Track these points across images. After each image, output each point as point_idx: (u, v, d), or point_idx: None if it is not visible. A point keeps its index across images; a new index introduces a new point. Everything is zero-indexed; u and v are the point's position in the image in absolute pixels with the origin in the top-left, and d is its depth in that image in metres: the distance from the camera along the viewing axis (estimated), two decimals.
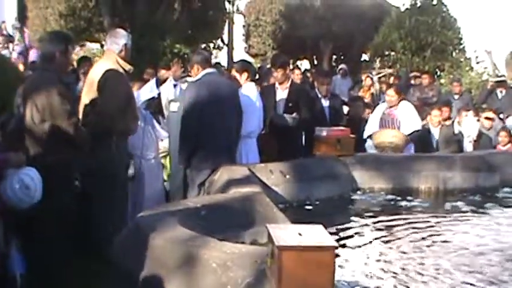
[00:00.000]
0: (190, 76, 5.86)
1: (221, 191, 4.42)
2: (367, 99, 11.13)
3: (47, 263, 4.45)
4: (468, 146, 8.28)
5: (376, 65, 14.25)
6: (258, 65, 18.03)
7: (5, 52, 15.56)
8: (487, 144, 8.15)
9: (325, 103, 7.46)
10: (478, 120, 8.65)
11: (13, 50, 16.87)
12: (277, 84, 6.99)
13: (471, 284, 3.33)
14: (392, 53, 16.78)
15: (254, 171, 4.94)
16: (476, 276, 3.45)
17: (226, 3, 18.07)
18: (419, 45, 16.42)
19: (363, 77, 13.09)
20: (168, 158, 6.71)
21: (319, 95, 7.50)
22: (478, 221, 4.81)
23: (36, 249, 4.43)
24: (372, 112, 8.18)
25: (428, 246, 4.03)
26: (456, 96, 11.35)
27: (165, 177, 6.70)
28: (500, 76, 13.27)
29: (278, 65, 6.93)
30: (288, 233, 2.55)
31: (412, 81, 12.99)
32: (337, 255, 3.35)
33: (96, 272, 4.22)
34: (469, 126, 8.44)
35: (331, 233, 2.65)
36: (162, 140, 6.59)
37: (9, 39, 18.08)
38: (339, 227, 4.41)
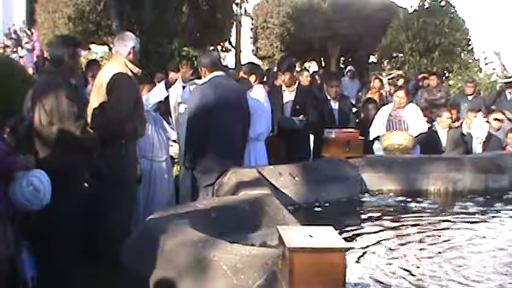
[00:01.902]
0: (199, 78, 5.87)
1: (231, 193, 4.43)
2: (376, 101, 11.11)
3: (56, 266, 4.47)
4: (477, 148, 8.24)
5: (386, 67, 14.22)
6: (266, 67, 18.02)
7: (14, 56, 15.64)
8: (496, 146, 8.11)
9: (335, 105, 7.44)
10: (488, 121, 8.61)
11: (21, 55, 16.95)
12: (284, 87, 6.98)
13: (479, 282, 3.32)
14: (400, 55, 16.75)
15: (263, 174, 4.94)
16: (485, 279, 3.44)
17: (234, 6, 18.07)
18: (427, 46, 16.37)
19: (372, 79, 13.05)
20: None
21: (328, 97, 7.48)
22: (487, 222, 4.79)
23: (46, 252, 4.45)
24: None
25: (437, 247, 4.02)
26: (470, 98, 11.29)
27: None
28: (509, 77, 13.20)
29: (284, 69, 6.91)
30: (298, 235, 2.55)
31: (420, 83, 12.95)
32: (349, 256, 3.34)
33: (106, 275, 4.24)
34: (478, 127, 8.40)
35: (340, 235, 2.65)
36: (171, 145, 6.59)
37: (18, 43, 18.19)
38: (349, 228, 4.40)
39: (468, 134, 8.51)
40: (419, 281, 3.37)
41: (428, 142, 7.62)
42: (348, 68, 15.81)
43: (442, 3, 17.15)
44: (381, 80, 12.59)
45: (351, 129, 6.49)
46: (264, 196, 4.16)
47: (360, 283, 3.28)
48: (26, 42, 17.29)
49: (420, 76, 13.35)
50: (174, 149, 6.65)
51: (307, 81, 10.09)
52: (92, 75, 8.03)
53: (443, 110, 8.47)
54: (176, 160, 6.76)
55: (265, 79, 10.45)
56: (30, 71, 11.93)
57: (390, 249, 3.99)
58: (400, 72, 14.91)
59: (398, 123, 7.45)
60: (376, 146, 7.45)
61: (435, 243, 4.11)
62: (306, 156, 6.70)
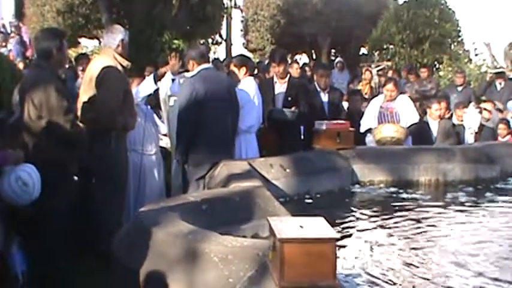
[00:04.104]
0: (188, 71, 5.85)
1: (222, 185, 4.43)
2: (367, 93, 11.12)
3: (47, 261, 4.45)
4: (470, 138, 8.27)
5: (375, 58, 14.22)
6: (257, 60, 18.00)
7: (3, 50, 15.51)
8: (489, 136, 8.14)
9: (324, 97, 7.44)
10: (480, 112, 8.62)
11: (10, 49, 16.77)
12: (275, 79, 6.98)
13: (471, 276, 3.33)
14: (391, 46, 16.76)
15: (254, 166, 4.94)
16: (478, 268, 3.45)
17: None
18: (418, 38, 16.39)
19: (363, 71, 13.05)
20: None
21: (318, 89, 7.48)
22: (478, 212, 4.81)
23: (36, 247, 4.43)
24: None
25: (428, 237, 4.03)
26: (460, 88, 11.34)
27: None
28: (499, 68, 13.25)
29: (279, 60, 6.91)
30: (289, 226, 2.54)
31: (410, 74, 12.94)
32: (340, 247, 3.35)
33: (97, 268, 4.23)
34: (470, 118, 8.43)
35: (331, 226, 2.64)
36: (161, 138, 6.57)
37: (7, 37, 18.02)
38: (340, 219, 4.41)
39: (460, 125, 8.53)
40: (410, 272, 3.38)
41: (419, 133, 7.64)
42: (337, 59, 15.80)
43: None
44: (371, 72, 12.60)
45: (341, 121, 6.48)
46: (255, 188, 4.16)
47: (351, 273, 3.28)
48: (12, 37, 17.14)
49: (405, 74, 13.27)
50: (163, 143, 6.62)
51: (297, 73, 10.09)
52: (82, 69, 8.00)
53: (432, 102, 8.49)
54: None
55: (256, 72, 10.42)
56: (21, 65, 11.82)
57: (381, 239, 4.00)
58: (389, 63, 14.92)
59: (389, 115, 7.45)
60: (369, 139, 7.46)
61: (426, 234, 4.12)
62: (297, 148, 6.70)
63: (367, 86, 11.79)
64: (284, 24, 22.93)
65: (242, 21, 25.18)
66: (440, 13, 16.80)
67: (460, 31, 17.48)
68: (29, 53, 15.75)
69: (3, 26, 19.31)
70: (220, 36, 20.32)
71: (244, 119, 5.95)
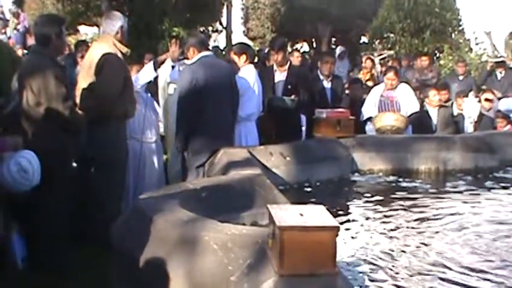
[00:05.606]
0: (187, 58, 5.83)
1: (221, 173, 4.41)
2: (368, 80, 11.11)
3: (46, 246, 4.45)
4: (469, 127, 8.25)
5: (377, 47, 14.18)
6: (257, 48, 17.94)
7: (2, 37, 15.47)
8: (488, 126, 8.12)
9: (327, 84, 7.42)
10: (479, 101, 8.61)
11: (9, 35, 16.74)
12: (275, 67, 6.96)
13: (473, 269, 3.33)
14: (392, 35, 16.72)
15: (254, 154, 4.92)
16: (476, 257, 3.46)
17: None
18: (418, 26, 16.36)
19: (364, 59, 13.01)
20: None
21: (321, 77, 7.45)
22: (478, 201, 4.80)
23: (36, 233, 4.43)
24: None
25: (428, 225, 4.03)
26: (461, 77, 11.33)
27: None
28: (500, 57, 13.22)
29: (278, 48, 6.90)
30: (289, 214, 2.53)
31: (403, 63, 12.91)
32: (340, 234, 3.33)
33: (97, 255, 4.23)
34: (469, 107, 8.41)
35: (331, 214, 2.63)
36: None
37: (6, 24, 17.96)
38: (339, 208, 4.41)
39: (459, 114, 8.51)
40: (410, 259, 3.38)
41: (419, 122, 7.64)
42: (339, 48, 15.76)
43: None
44: (372, 60, 12.57)
45: (342, 109, 6.47)
46: (254, 176, 4.14)
47: (351, 262, 3.28)
48: (17, 23, 17.16)
49: (406, 63, 13.21)
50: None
51: (297, 61, 10.07)
52: (81, 56, 7.96)
53: (429, 89, 8.50)
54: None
55: (256, 60, 10.38)
56: (20, 52, 11.79)
57: (380, 228, 3.99)
58: (392, 52, 14.89)
59: (390, 104, 7.46)
60: (369, 127, 7.45)
61: (426, 222, 4.12)
62: (297, 136, 6.70)
63: (368, 75, 11.77)
64: (284, 12, 22.85)
65: (242, 9, 25.12)
66: (441, 2, 16.77)
67: (460, 20, 17.44)
68: (30, 41, 15.72)
69: (2, 12, 19.24)
70: (221, 24, 20.24)
71: (244, 106, 5.94)
